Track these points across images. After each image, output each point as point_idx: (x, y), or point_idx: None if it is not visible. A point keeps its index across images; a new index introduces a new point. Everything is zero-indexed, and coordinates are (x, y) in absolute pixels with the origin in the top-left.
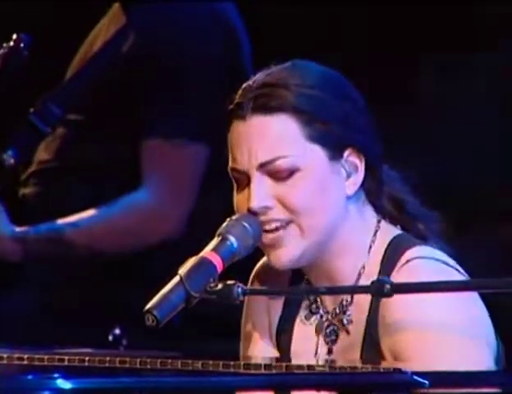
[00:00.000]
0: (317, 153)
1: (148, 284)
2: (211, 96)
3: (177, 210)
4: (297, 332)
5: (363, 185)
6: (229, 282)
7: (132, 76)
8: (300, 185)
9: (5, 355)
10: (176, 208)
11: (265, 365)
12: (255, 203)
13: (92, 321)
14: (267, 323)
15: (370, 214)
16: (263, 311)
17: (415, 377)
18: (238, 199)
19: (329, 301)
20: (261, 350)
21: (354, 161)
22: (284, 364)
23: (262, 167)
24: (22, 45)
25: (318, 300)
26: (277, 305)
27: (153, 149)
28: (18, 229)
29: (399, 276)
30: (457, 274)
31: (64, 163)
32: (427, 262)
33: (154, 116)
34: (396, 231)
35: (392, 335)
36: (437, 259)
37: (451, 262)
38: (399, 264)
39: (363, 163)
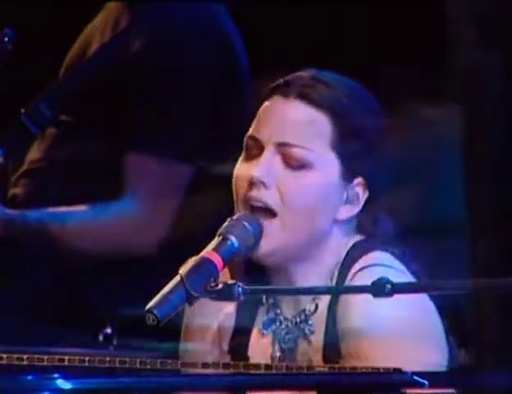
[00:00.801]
0: (334, 162)
1: (137, 284)
2: (204, 109)
3: (160, 224)
4: (254, 338)
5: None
6: (229, 282)
7: (126, 80)
8: (306, 182)
9: (5, 356)
10: (158, 222)
11: (265, 366)
12: (257, 173)
13: (82, 320)
14: (216, 326)
15: (351, 235)
16: (213, 313)
17: (415, 378)
18: (240, 167)
19: (289, 309)
20: (203, 350)
21: (358, 192)
22: (284, 365)
23: (280, 146)
24: (6, 39)
25: (278, 306)
26: (229, 309)
27: (140, 163)
28: (8, 211)
29: (355, 282)
30: (404, 277)
31: (54, 163)
32: (379, 268)
33: (144, 129)
34: (359, 236)
35: (352, 339)
36: (385, 265)
37: (400, 266)
38: (352, 270)
39: (365, 198)
